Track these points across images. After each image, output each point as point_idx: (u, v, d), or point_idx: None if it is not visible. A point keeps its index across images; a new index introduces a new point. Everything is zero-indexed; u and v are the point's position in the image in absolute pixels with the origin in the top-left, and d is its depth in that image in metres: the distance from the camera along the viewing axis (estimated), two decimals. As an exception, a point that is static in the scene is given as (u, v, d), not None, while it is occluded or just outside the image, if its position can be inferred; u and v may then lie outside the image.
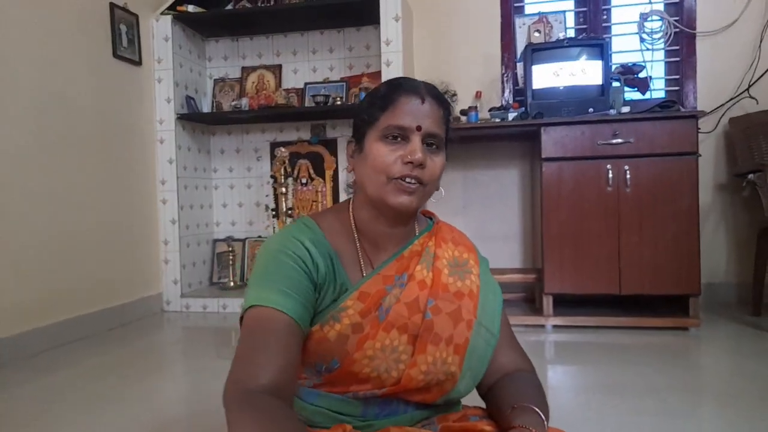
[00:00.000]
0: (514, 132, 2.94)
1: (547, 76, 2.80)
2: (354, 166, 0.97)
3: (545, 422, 0.88)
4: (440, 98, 0.95)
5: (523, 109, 2.82)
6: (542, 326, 2.71)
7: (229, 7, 3.51)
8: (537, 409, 0.88)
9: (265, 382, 0.77)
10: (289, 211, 3.32)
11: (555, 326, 2.70)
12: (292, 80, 3.58)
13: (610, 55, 2.98)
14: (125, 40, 2.98)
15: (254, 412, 0.73)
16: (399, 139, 0.90)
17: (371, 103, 0.94)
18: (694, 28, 3.09)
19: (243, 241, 3.60)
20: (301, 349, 0.86)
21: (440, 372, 0.92)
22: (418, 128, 0.90)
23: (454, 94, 3.00)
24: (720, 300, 3.10)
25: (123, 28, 2.96)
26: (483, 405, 1.02)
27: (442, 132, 0.93)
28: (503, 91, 3.31)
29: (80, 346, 2.47)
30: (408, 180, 0.90)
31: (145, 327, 2.87)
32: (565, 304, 2.85)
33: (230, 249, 3.42)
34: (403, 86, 0.92)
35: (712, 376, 2.08)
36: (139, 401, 1.80)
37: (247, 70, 3.61)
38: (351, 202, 1.01)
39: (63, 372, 2.11)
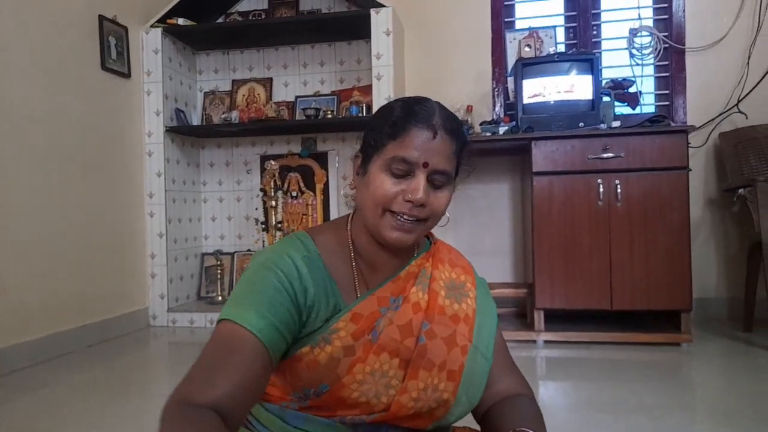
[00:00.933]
0: (505, 146, 2.94)
1: (537, 90, 2.80)
2: (356, 186, 0.93)
3: None
4: (455, 132, 0.88)
5: (514, 123, 2.82)
6: (533, 341, 2.68)
7: (220, 20, 3.51)
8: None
9: (212, 399, 0.73)
10: (279, 225, 3.29)
11: (546, 341, 2.67)
12: (282, 93, 3.57)
13: (600, 70, 2.98)
14: (114, 53, 2.96)
15: (183, 424, 0.69)
16: (403, 172, 0.86)
17: (381, 127, 0.88)
18: (684, 44, 3.10)
19: (232, 254, 3.56)
20: (266, 376, 0.80)
21: (431, 399, 0.89)
22: (425, 165, 0.85)
23: (470, 128, 2.97)
24: (712, 315, 3.09)
25: (112, 40, 2.94)
26: (473, 425, 0.99)
27: (451, 167, 0.88)
28: (494, 106, 3.31)
29: (62, 362, 2.41)
30: (406, 217, 0.86)
31: (131, 342, 2.81)
32: (557, 319, 2.82)
33: (219, 263, 3.37)
34: (416, 116, 0.86)
35: (705, 393, 2.06)
36: (123, 421, 1.75)
37: (237, 83, 3.59)
38: (350, 220, 0.97)
39: (44, 390, 2.06)
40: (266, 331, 0.79)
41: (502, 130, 2.80)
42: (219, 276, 3.36)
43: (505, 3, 3.32)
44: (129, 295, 3.06)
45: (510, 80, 3.18)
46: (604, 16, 3.25)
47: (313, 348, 0.86)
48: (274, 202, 3.29)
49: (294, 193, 3.47)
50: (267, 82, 3.56)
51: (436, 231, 1.07)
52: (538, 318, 2.67)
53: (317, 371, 0.86)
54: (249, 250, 3.56)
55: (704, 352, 2.50)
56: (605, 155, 2.58)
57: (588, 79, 2.74)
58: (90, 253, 2.75)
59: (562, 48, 3.21)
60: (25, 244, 2.36)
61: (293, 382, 0.87)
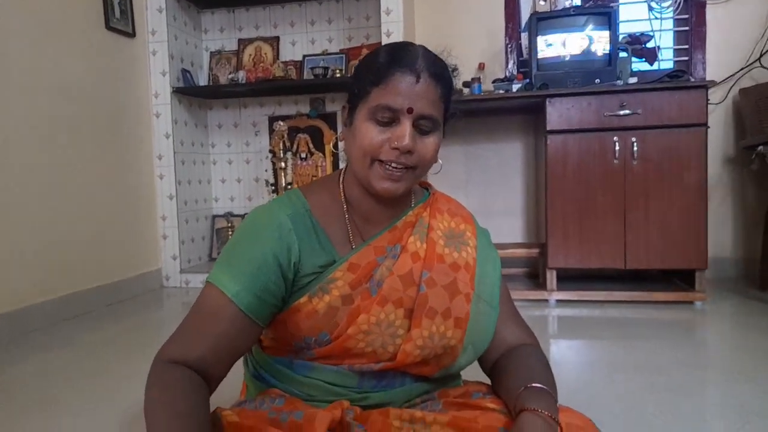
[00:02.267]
0: (518, 104, 2.88)
1: (552, 46, 2.72)
2: (345, 137, 0.93)
3: (556, 404, 0.85)
4: (439, 75, 0.86)
5: (528, 80, 2.75)
6: (545, 301, 2.68)
7: (225, -24, 3.42)
8: (548, 389, 0.85)
9: (191, 359, 0.80)
10: (289, 186, 3.27)
11: (558, 301, 2.67)
12: (290, 52, 3.49)
13: (618, 24, 2.89)
14: (118, 11, 2.89)
15: (163, 383, 0.77)
16: (388, 120, 0.84)
17: (364, 74, 0.87)
18: (705, -4, 2.99)
19: (242, 216, 3.55)
20: (246, 336, 0.85)
21: (438, 346, 0.89)
22: (410, 110, 0.83)
23: (455, 69, 2.91)
24: (726, 275, 3.06)
25: (115, -2, 2.87)
26: (484, 379, 0.99)
27: (437, 113, 0.86)
28: (507, 63, 3.23)
29: (77, 322, 2.44)
30: (394, 166, 0.85)
31: (144, 303, 2.84)
32: (569, 280, 2.81)
33: (229, 225, 3.37)
34: (398, 61, 0.84)
35: (719, 351, 2.05)
36: (138, 377, 1.76)
37: (243, 43, 3.52)
38: (342, 173, 0.97)
39: (61, 349, 2.08)
40: (242, 296, 0.83)
41: (515, 87, 2.73)
42: (230, 238, 3.36)
43: (519, -45, 3.20)
44: (142, 256, 3.07)
45: (524, 36, 3.09)
46: (622, -32, 3.13)
47: (312, 298, 0.87)
48: (283, 164, 3.26)
49: (303, 155, 3.43)
50: (274, 41, 3.49)
51: (446, 191, 1.05)
52: (551, 277, 2.66)
53: (316, 320, 0.87)
54: (259, 212, 3.54)
55: (718, 310, 2.49)
56: (622, 112, 2.52)
57: (605, 34, 2.66)
58: (101, 216, 2.75)
59: (578, 1, 3.11)
60: (37, 207, 2.36)
61: (294, 332, 0.88)
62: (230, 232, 3.37)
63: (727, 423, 1.43)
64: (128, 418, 1.44)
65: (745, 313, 2.46)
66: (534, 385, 0.85)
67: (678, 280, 2.77)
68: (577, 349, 2.07)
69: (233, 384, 1.02)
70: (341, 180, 0.96)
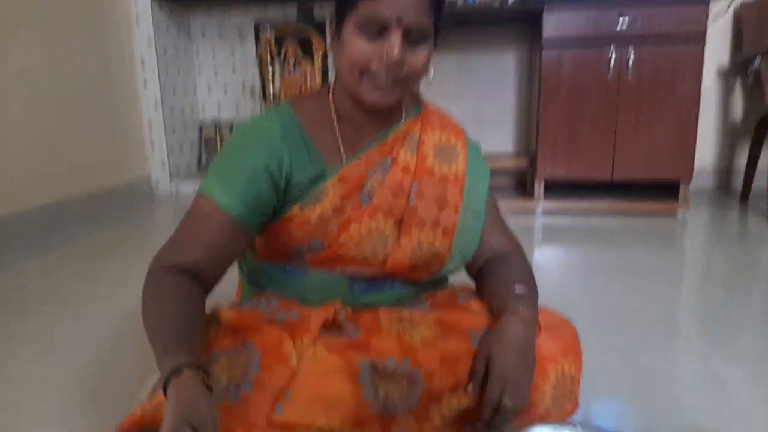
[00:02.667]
0: (514, 14, 2.78)
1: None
2: (333, 50, 0.89)
3: (537, 307, 0.90)
4: None
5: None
6: (532, 210, 2.73)
7: None
8: (529, 293, 0.90)
9: (184, 265, 0.81)
10: (277, 96, 3.21)
11: (545, 210, 2.72)
12: (276, -49, 3.31)
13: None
14: None
15: (159, 289, 0.79)
16: (377, 31, 0.80)
17: None
18: None
19: (230, 127, 3.51)
20: (238, 243, 0.87)
21: (426, 254, 0.93)
22: (399, 20, 0.79)
23: None
24: (710, 187, 3.12)
25: None
26: (469, 284, 1.03)
27: (428, 22, 0.82)
28: (503, -34, 3.09)
29: (70, 227, 2.46)
30: (384, 78, 0.82)
31: (136, 210, 2.86)
32: (556, 191, 2.85)
33: (218, 135, 3.34)
34: None
35: (699, 258, 2.13)
36: (134, 284, 1.81)
37: (226, -60, 3.32)
38: (332, 86, 0.95)
39: (54, 253, 2.12)
40: (234, 205, 0.84)
41: (511, -5, 2.63)
42: (218, 146, 3.34)
43: None
44: (131, 164, 3.07)
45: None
46: None
47: (303, 208, 0.88)
48: (270, 73, 3.18)
49: (292, 63, 3.34)
50: (259, -62, 3.29)
51: (438, 101, 1.05)
52: (538, 187, 2.70)
53: (308, 230, 0.89)
54: (248, 122, 3.50)
55: (700, 220, 2.56)
56: (620, 22, 2.45)
57: (607, -66, 2.53)
58: (88, 122, 2.70)
59: None
60: (23, 114, 2.31)
61: (287, 241, 0.90)
62: (219, 144, 3.34)
63: (699, 323, 1.52)
64: (127, 322, 1.49)
65: (725, 222, 2.53)
66: (517, 289, 0.89)
67: (663, 192, 2.82)
68: (560, 255, 2.14)
69: (229, 285, 1.06)
70: (331, 92, 0.94)
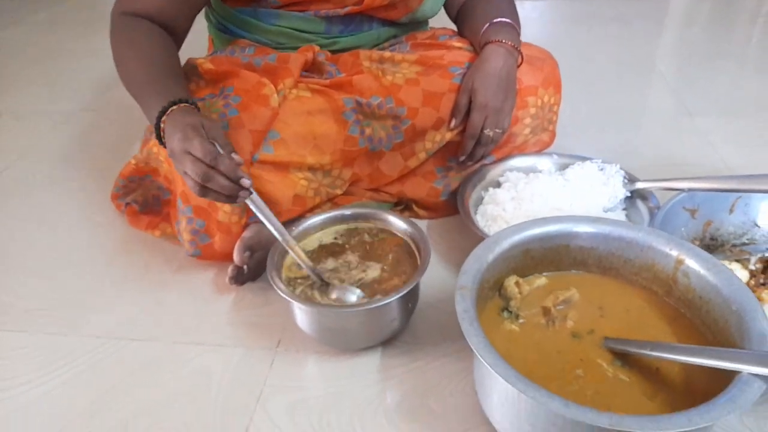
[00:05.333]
0: None
1: None
2: None
3: (520, 37, 0.88)
4: None
5: None
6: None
7: None
8: (512, 22, 0.87)
9: (150, 11, 0.78)
10: None
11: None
12: None
13: None
14: None
15: (131, 34, 0.77)
16: None
17: None
18: None
19: None
20: None
21: None
22: None
23: None
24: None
25: None
26: (451, 27, 1.00)
27: None
28: None
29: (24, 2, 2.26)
30: None
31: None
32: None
33: None
34: None
35: (682, 5, 2.06)
36: (91, 55, 1.73)
37: None
38: None
39: (11, 29, 1.98)
40: None
41: None
42: None
43: None
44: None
45: None
46: None
47: None
48: None
49: None
50: None
51: None
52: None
53: None
54: None
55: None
56: None
57: None
58: None
59: None
60: None
61: None
62: None
63: (676, 65, 1.54)
64: (106, 88, 1.46)
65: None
66: (498, 19, 0.87)
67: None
68: (541, 6, 2.05)
69: (198, 42, 1.02)
70: None
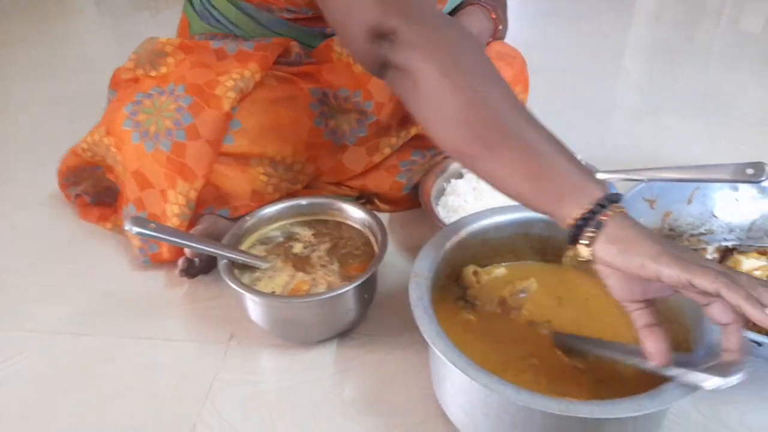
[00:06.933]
0: None
1: None
2: None
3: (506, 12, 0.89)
4: None
5: None
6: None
7: None
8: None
9: None
10: None
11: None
12: None
13: None
14: None
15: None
16: None
17: None
18: None
19: None
20: None
21: None
22: None
23: None
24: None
25: None
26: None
27: None
28: None
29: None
30: None
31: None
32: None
33: None
34: None
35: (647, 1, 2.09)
36: (62, 40, 1.69)
37: None
38: None
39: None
40: None
41: None
42: None
43: None
44: None
45: None
46: None
47: None
48: None
49: None
50: None
51: None
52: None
53: None
54: None
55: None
56: None
57: None
58: None
59: None
60: None
61: None
62: None
63: (643, 60, 1.55)
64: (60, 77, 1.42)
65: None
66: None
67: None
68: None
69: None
70: None
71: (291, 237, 0.72)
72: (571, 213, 0.44)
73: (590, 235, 0.43)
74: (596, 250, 0.43)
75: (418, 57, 0.49)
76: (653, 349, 0.44)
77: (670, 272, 0.39)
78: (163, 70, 0.77)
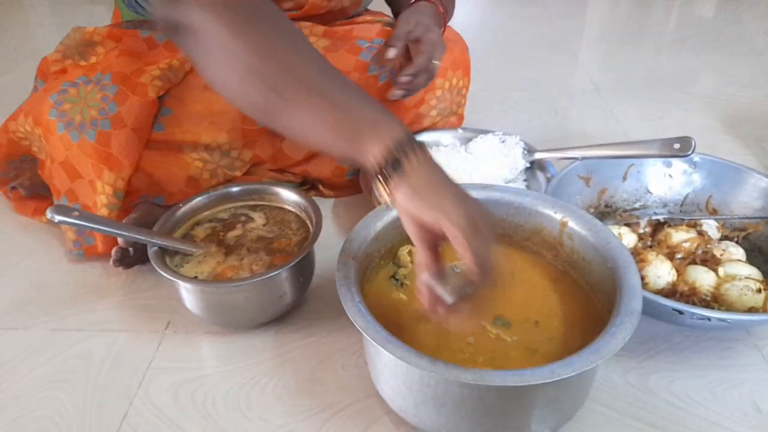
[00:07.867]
0: None
1: None
2: None
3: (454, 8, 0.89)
4: None
5: None
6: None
7: None
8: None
9: None
10: None
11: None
12: None
13: None
14: None
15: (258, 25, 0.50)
16: None
17: None
18: None
19: None
20: None
21: None
22: None
23: None
24: None
25: None
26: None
27: None
28: None
29: None
30: None
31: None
32: None
33: None
34: None
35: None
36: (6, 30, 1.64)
37: None
38: None
39: None
40: None
41: None
42: None
43: None
44: None
45: None
46: None
47: None
48: None
49: None
50: None
51: None
52: None
53: None
54: None
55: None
56: None
57: None
58: None
59: None
60: None
61: None
62: None
63: (589, 44, 1.57)
64: None
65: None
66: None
67: None
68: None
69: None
70: None
71: (234, 221, 0.71)
72: (372, 150, 0.44)
73: (393, 181, 0.44)
74: (397, 199, 0.44)
75: (204, 14, 0.47)
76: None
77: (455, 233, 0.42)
78: (93, 59, 0.76)
